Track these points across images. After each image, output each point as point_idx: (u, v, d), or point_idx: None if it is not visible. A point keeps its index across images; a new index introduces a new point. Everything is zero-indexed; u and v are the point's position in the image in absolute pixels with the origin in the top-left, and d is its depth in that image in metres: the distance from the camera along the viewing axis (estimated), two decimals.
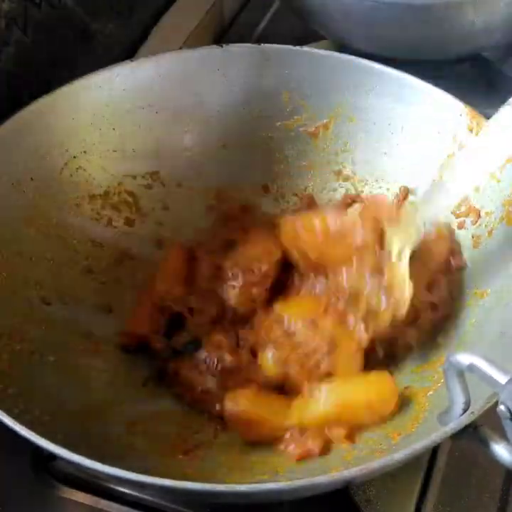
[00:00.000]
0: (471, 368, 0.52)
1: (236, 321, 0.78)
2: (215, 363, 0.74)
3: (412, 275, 0.72)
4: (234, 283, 0.79)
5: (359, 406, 0.69)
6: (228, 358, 0.74)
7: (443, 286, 0.75)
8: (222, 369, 0.74)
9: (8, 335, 0.69)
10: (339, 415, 0.69)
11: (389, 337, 0.73)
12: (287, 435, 0.69)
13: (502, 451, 0.55)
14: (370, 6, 0.88)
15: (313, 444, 0.68)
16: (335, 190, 0.87)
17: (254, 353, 0.75)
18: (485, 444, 0.56)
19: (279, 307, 0.76)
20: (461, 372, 0.54)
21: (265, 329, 0.75)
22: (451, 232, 0.78)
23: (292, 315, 0.74)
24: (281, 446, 0.69)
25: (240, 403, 0.71)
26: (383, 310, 0.71)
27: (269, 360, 0.73)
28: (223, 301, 0.79)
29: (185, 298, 0.80)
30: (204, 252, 0.82)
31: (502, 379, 0.50)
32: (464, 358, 0.53)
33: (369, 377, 0.71)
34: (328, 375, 0.71)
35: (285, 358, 0.73)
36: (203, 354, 0.75)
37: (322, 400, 0.69)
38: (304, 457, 0.68)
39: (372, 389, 0.70)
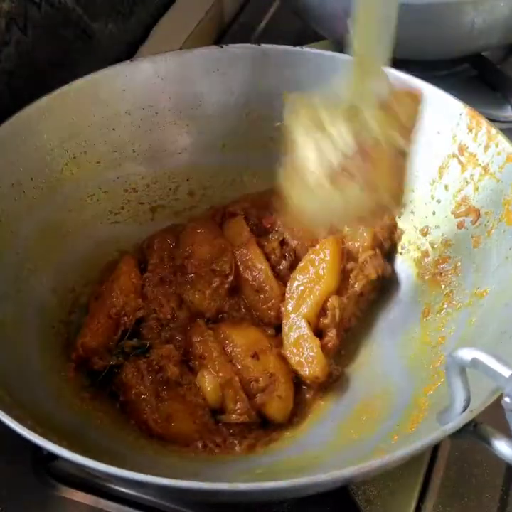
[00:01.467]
0: (474, 362, 0.52)
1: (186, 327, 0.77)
2: (158, 371, 0.73)
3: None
4: (198, 286, 0.79)
5: None
6: (172, 369, 0.73)
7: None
8: (162, 379, 0.73)
9: None
10: None
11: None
12: None
13: (504, 447, 0.55)
14: None
15: None
16: None
17: (194, 371, 0.75)
18: (486, 441, 0.56)
19: (225, 330, 0.76)
20: (462, 369, 0.54)
21: (204, 347, 0.75)
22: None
23: (238, 342, 0.75)
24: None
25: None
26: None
27: (208, 383, 0.73)
28: (184, 305, 0.79)
29: (141, 307, 0.78)
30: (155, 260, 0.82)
31: (506, 372, 0.51)
32: (467, 354, 0.53)
33: None
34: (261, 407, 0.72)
35: (224, 384, 0.72)
36: (149, 358, 0.74)
37: None
38: None
39: None
